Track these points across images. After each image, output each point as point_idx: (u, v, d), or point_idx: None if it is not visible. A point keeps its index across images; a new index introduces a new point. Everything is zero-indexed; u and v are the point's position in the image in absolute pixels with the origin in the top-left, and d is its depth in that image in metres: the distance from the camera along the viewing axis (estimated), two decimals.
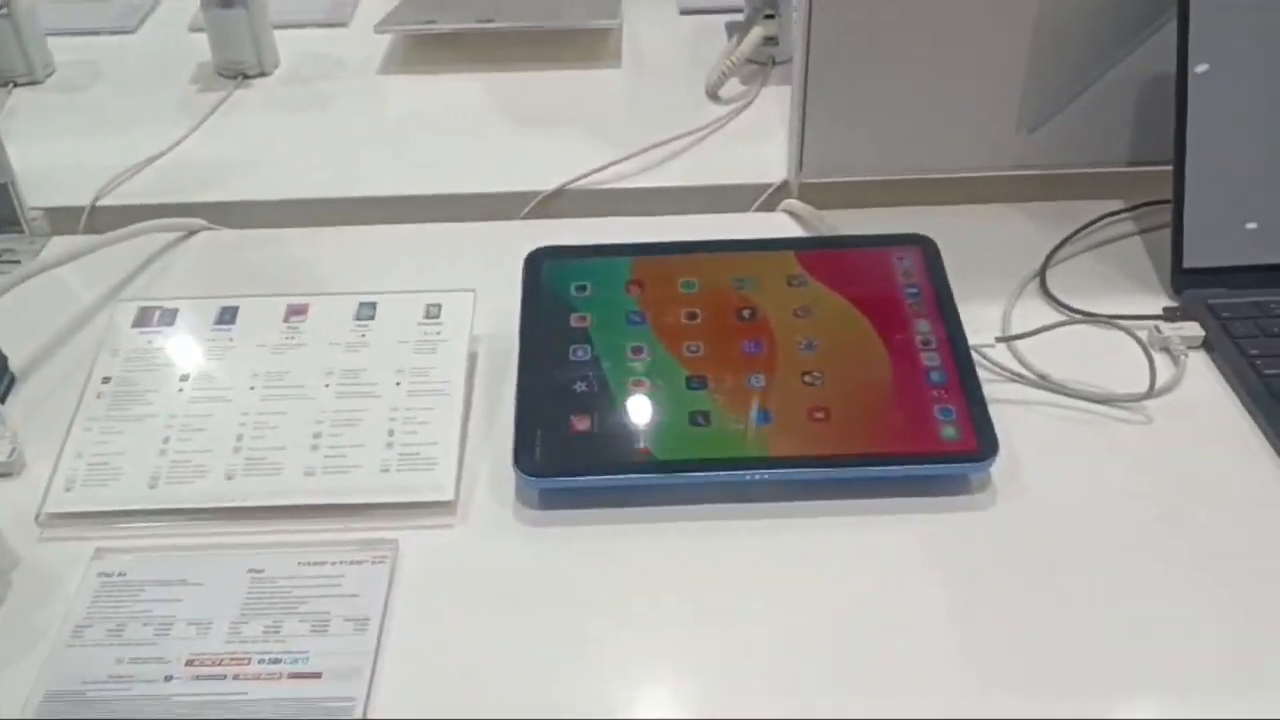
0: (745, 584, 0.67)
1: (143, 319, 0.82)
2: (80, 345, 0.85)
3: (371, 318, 0.82)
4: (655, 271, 0.83)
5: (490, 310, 0.83)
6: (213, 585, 0.67)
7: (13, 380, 0.83)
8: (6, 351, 0.83)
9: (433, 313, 0.82)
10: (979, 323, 0.82)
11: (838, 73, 0.93)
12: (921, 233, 0.86)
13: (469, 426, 0.77)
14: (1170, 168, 0.87)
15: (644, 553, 0.69)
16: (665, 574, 0.68)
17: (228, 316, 0.83)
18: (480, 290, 0.84)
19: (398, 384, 0.78)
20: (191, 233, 0.98)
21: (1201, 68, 0.85)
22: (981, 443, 0.71)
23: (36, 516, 0.71)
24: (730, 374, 0.76)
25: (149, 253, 0.95)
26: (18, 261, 0.94)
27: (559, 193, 1.01)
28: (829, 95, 0.94)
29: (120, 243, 0.93)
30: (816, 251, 0.85)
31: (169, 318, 0.83)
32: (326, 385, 0.78)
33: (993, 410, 0.74)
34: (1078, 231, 0.93)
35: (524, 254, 0.85)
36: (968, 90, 0.94)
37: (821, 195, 0.98)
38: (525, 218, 1.00)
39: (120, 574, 0.68)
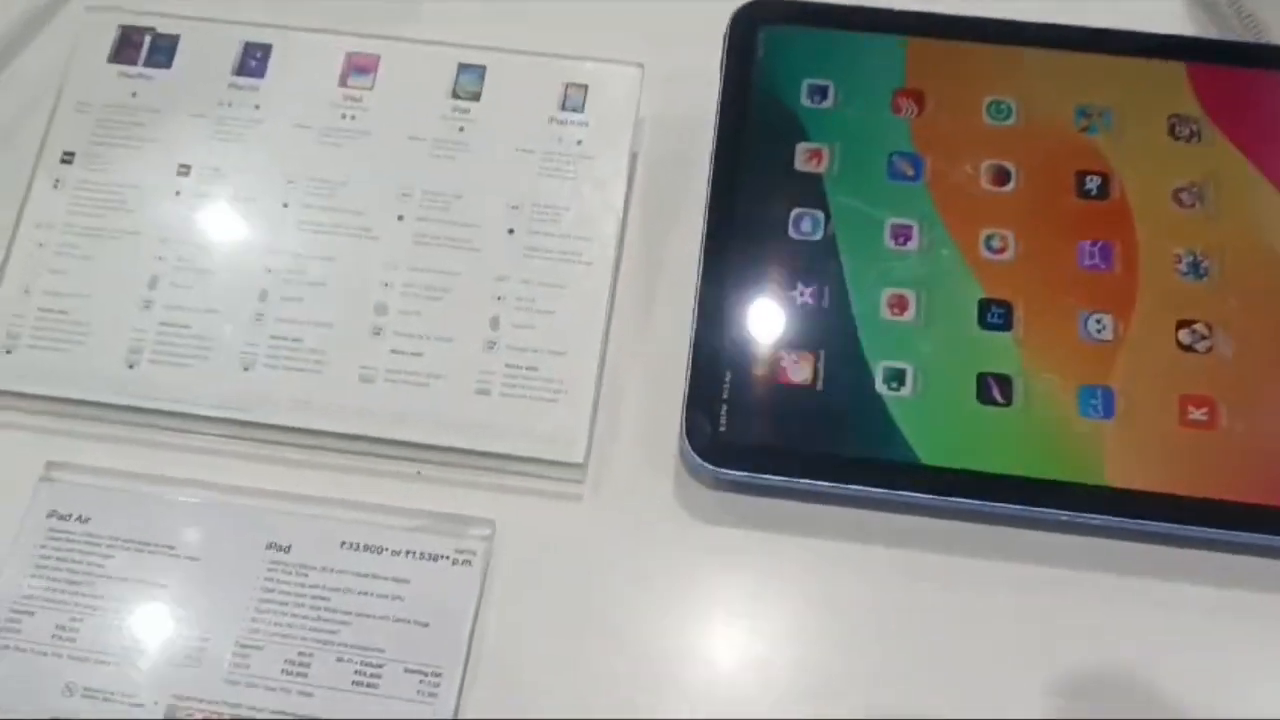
0: (1042, 674, 0.43)
1: (125, 48, 0.52)
2: (30, 68, 0.55)
3: (476, 96, 0.51)
4: (945, 72, 0.50)
5: (677, 77, 0.51)
6: (214, 565, 0.44)
7: None
8: None
9: (573, 101, 0.51)
10: None
11: None
12: None
13: (613, 321, 0.49)
14: None
15: (877, 590, 0.44)
16: (909, 628, 0.44)
17: (255, 62, 0.52)
18: (659, 43, 0.52)
19: (511, 231, 0.49)
20: None
21: None
22: None
23: None
24: (1055, 306, 0.46)
25: None
26: None
27: None
28: None
29: None
30: (1226, 69, 0.50)
31: (164, 51, 0.52)
32: (400, 217, 0.49)
33: None
34: None
35: None
36: None
37: None
38: None
39: (80, 518, 0.45)
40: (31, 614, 0.43)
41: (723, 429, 0.44)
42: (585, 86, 0.51)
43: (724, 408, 0.44)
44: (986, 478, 0.43)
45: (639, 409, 0.48)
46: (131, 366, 0.47)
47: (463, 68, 0.51)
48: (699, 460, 0.44)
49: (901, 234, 0.47)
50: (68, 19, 0.55)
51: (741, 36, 0.50)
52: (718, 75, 0.52)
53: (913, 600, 0.44)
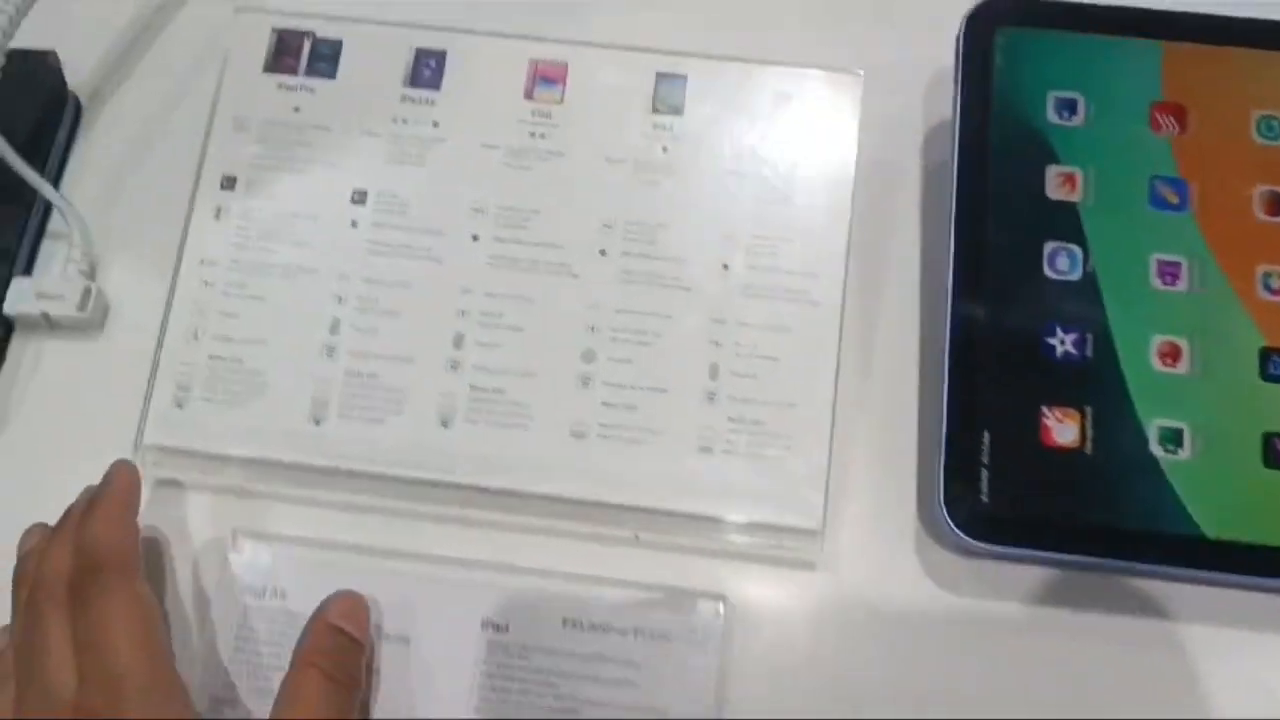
0: None
1: (282, 55, 0.47)
2: (178, 78, 0.50)
3: (678, 110, 0.46)
4: (1208, 83, 0.44)
5: (884, 80, 0.47)
6: (426, 646, 0.41)
7: (79, 112, 0.50)
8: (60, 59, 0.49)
9: (785, 115, 0.46)
10: None
11: None
12: None
13: (842, 357, 0.44)
14: None
15: (1148, 665, 0.41)
16: (1186, 705, 0.40)
17: (429, 71, 0.47)
18: (855, 39, 0.47)
19: (725, 267, 0.44)
20: None
21: None
22: None
23: (135, 445, 0.43)
24: None
25: None
26: None
27: None
28: None
29: None
30: None
31: (327, 58, 0.47)
32: (602, 252, 0.45)
33: None
34: None
35: None
36: None
37: None
38: None
39: (276, 593, 0.42)
40: (234, 702, 0.40)
41: (985, 499, 0.40)
42: (788, 94, 0.46)
43: (985, 474, 0.40)
44: (1276, 552, 0.39)
45: (870, 466, 0.44)
46: (318, 422, 0.43)
47: (661, 77, 0.46)
48: (962, 535, 0.40)
49: (1168, 271, 0.42)
50: (214, 21, 0.50)
51: (977, 40, 0.45)
52: (924, 80, 0.48)
53: (1188, 675, 0.41)
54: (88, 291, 0.45)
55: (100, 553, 0.37)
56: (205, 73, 0.48)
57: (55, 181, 0.48)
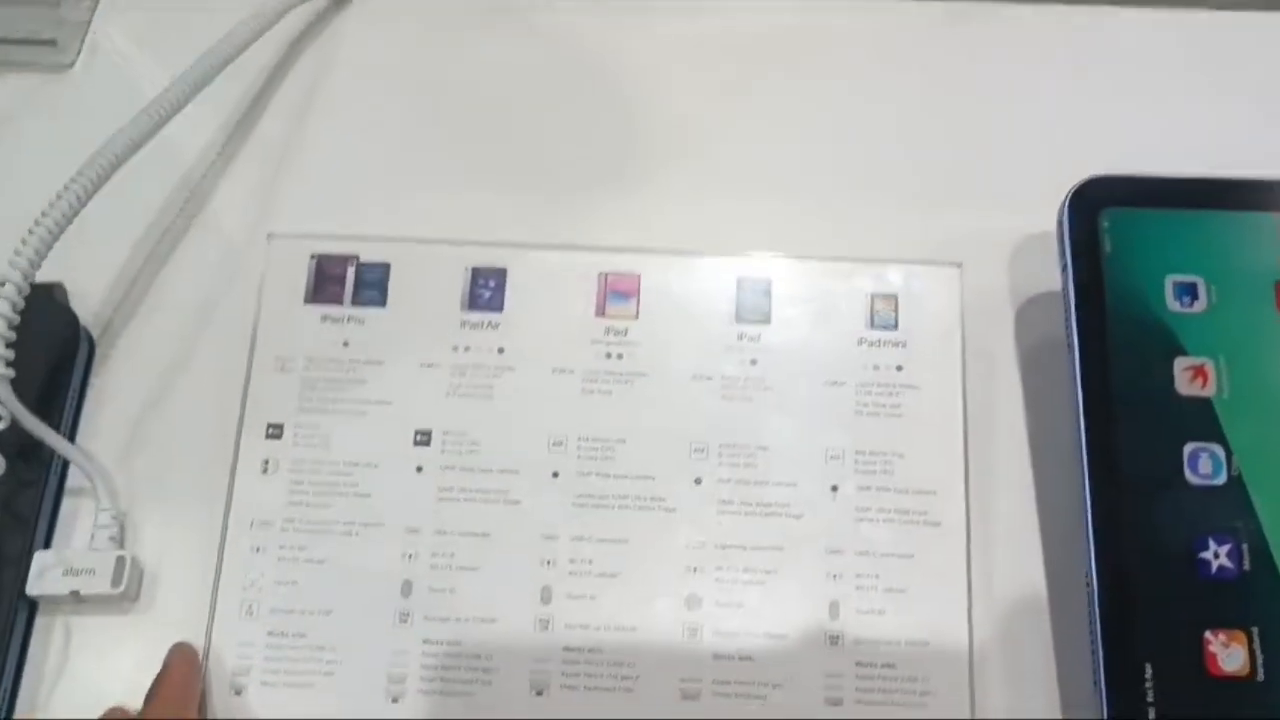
0: None
1: (325, 284, 0.43)
2: (212, 313, 0.45)
3: (765, 317, 0.42)
4: None
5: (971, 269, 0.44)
6: None
7: (92, 349, 0.45)
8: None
9: (882, 316, 0.42)
10: None
11: None
12: None
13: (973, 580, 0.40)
14: None
15: None
16: None
17: (488, 292, 0.43)
18: (951, 220, 0.44)
19: (834, 489, 0.40)
20: None
21: None
22: None
23: None
24: None
25: None
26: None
27: None
28: None
29: None
30: None
31: (374, 284, 0.43)
32: (697, 480, 0.40)
33: None
34: None
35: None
36: None
37: None
38: None
39: None
40: None
41: None
42: (895, 297, 0.42)
43: (1151, 712, 0.36)
44: None
45: (1012, 704, 0.39)
46: (395, 700, 0.38)
47: (743, 282, 0.43)
48: None
49: None
50: (231, 242, 0.46)
51: (1082, 224, 0.42)
52: (1006, 254, 0.45)
53: None
54: (121, 562, 0.40)
55: None
56: (228, 302, 0.44)
57: (71, 432, 0.43)
